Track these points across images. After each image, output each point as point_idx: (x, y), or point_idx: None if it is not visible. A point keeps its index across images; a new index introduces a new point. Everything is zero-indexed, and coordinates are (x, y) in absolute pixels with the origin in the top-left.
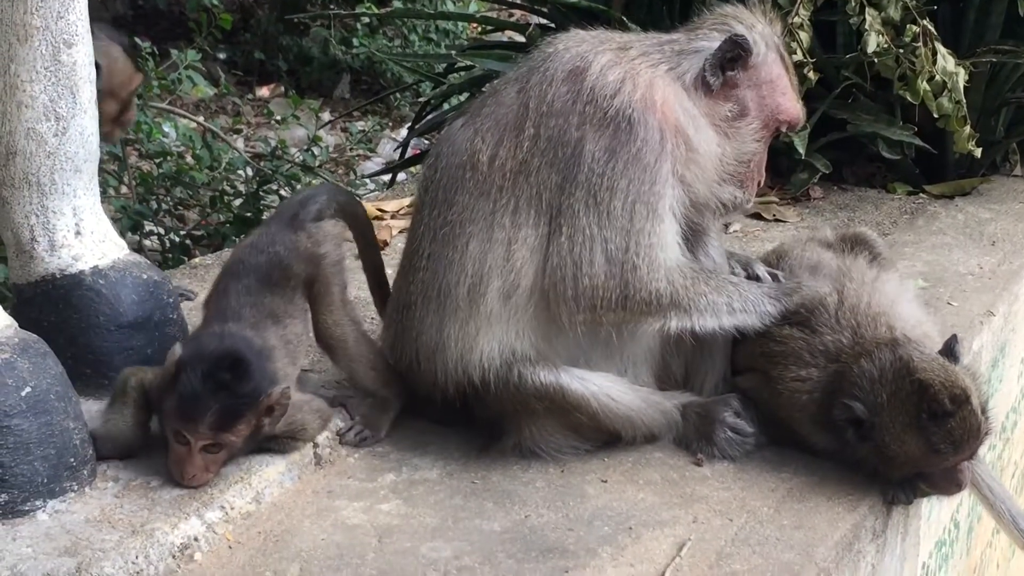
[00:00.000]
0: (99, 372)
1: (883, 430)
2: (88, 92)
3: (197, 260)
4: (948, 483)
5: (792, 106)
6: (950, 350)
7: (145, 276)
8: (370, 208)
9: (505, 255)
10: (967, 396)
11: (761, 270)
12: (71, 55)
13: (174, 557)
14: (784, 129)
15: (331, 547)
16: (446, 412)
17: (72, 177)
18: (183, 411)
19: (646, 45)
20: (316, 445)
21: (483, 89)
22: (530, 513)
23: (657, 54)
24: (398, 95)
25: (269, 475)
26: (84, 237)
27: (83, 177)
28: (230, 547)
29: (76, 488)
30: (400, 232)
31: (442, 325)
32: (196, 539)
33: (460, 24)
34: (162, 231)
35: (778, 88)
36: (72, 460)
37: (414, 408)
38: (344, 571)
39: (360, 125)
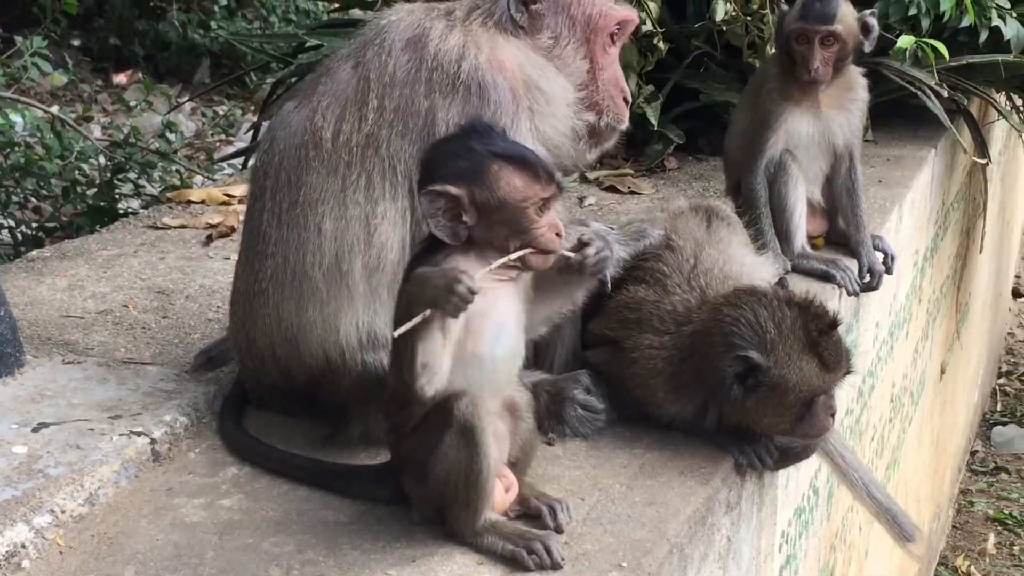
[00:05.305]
0: None
1: (781, 365)
2: None
3: (35, 252)
4: (826, 414)
5: (608, 10)
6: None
7: None
8: (217, 193)
9: (365, 231)
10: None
11: (601, 226)
12: None
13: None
14: (618, 35)
15: (169, 547)
16: (291, 402)
17: None
18: None
19: (466, 5)
20: (154, 441)
21: None
22: (377, 504)
23: (478, 11)
24: (253, 77)
25: (103, 474)
26: None
27: None
28: (61, 552)
29: None
30: None
31: (301, 309)
32: (24, 546)
33: (321, 4)
34: (12, 224)
35: (584, 1)
36: None
37: (259, 399)
38: (182, 571)
39: (221, 110)
